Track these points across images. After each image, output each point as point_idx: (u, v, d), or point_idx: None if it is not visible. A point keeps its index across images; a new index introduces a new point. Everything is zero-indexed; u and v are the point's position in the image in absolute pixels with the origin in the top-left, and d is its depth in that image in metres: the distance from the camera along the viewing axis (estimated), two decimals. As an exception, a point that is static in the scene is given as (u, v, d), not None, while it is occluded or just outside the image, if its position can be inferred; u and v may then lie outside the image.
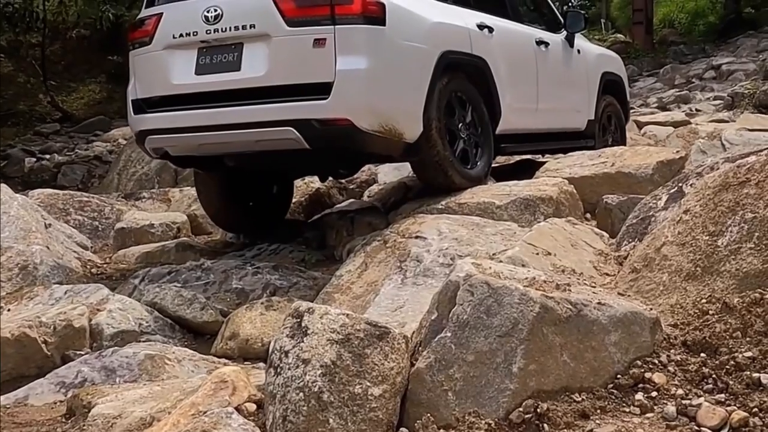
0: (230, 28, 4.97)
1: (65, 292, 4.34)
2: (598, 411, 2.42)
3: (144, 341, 3.95)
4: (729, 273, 2.89)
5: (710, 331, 2.68)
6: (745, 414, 2.33)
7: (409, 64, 5.07)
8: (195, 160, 5.62)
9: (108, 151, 12.35)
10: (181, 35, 5.14)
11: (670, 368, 2.56)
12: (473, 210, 4.86)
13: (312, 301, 4.14)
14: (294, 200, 6.86)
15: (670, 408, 2.39)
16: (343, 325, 2.43)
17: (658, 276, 3.07)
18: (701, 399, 2.41)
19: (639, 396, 2.46)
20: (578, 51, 7.20)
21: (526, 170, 6.60)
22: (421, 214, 4.85)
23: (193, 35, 5.09)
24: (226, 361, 3.72)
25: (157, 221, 6.27)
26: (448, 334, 2.50)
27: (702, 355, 2.62)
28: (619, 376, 2.52)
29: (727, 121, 9.29)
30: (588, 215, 5.22)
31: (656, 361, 2.58)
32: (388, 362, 2.43)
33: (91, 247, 6.13)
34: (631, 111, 9.92)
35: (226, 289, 4.51)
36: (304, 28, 4.81)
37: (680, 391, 2.46)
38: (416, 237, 4.34)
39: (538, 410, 2.37)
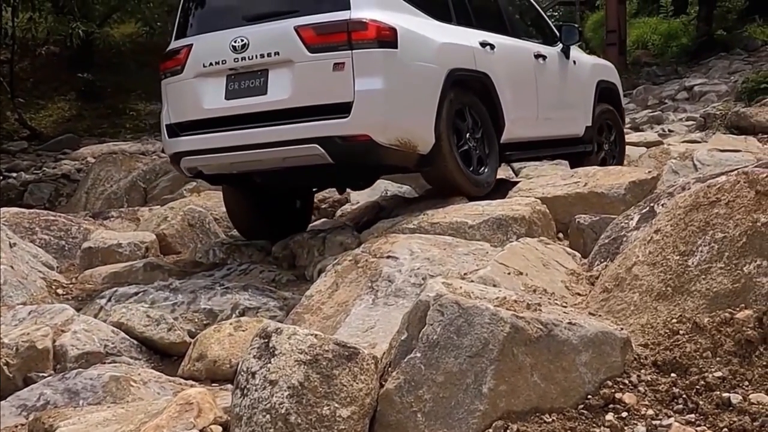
0: (256, 56, 5.43)
1: (29, 313, 4.27)
2: (569, 432, 2.42)
3: (109, 363, 3.89)
4: (699, 293, 2.91)
5: (680, 351, 2.70)
6: (715, 434, 2.34)
7: (420, 82, 5.55)
8: (226, 178, 6.03)
9: (76, 169, 12.25)
10: (211, 64, 5.58)
11: (641, 388, 2.57)
12: (445, 229, 4.88)
13: (282, 322, 4.14)
14: (265, 219, 6.84)
15: (641, 428, 2.40)
16: (312, 345, 2.41)
17: (629, 296, 3.08)
18: (671, 419, 2.42)
19: (609, 416, 2.46)
20: (574, 62, 7.63)
21: (499, 190, 6.65)
22: (394, 233, 4.85)
23: (222, 63, 5.54)
24: (194, 382, 3.68)
25: (125, 240, 6.22)
26: (418, 355, 2.49)
27: (672, 375, 2.63)
28: (589, 396, 2.53)
29: (699, 142, 9.41)
30: (561, 235, 5.25)
31: (627, 381, 2.59)
32: (357, 383, 2.41)
33: (57, 266, 6.06)
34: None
35: (195, 310, 4.47)
36: (324, 53, 5.28)
37: (650, 412, 2.47)
38: (388, 257, 4.33)
39: (508, 431, 2.37)
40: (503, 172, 8.81)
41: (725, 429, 2.37)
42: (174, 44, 5.93)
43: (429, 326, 2.52)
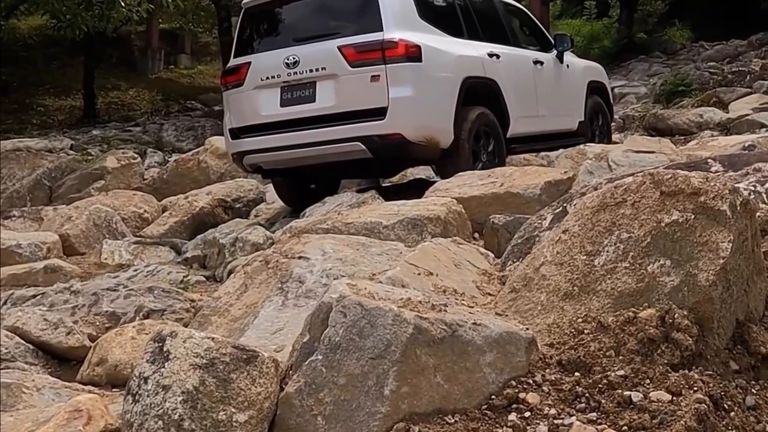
0: (306, 71, 6.74)
1: None
2: (471, 433, 2.44)
3: (2, 368, 3.76)
4: (605, 292, 2.97)
5: (585, 350, 2.74)
6: (615, 432, 2.39)
7: (441, 88, 6.83)
8: (280, 171, 7.35)
9: (-22, 167, 11.82)
10: (267, 78, 6.92)
11: (545, 388, 2.61)
12: (360, 230, 4.89)
13: (188, 324, 4.07)
14: (176, 219, 6.81)
15: (542, 428, 2.43)
16: (208, 349, 2.37)
17: (536, 296, 3.12)
18: (573, 418, 2.46)
19: (512, 416, 2.48)
20: (567, 66, 9.03)
21: (418, 189, 6.72)
22: (306, 233, 4.82)
23: (277, 77, 6.87)
24: (92, 388, 3.59)
25: (25, 241, 6.04)
26: (320, 357, 2.48)
27: (576, 374, 2.67)
28: (493, 396, 2.54)
29: (618, 143, 9.64)
30: (476, 235, 5.31)
31: (531, 381, 2.62)
32: (256, 387, 2.38)
33: (-49, 269, 5.83)
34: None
35: (96, 313, 4.37)
36: (363, 68, 6.56)
37: (553, 411, 2.50)
38: (299, 257, 4.30)
39: (410, 433, 2.37)
40: (423, 172, 8.88)
41: (625, 427, 2.41)
42: (234, 61, 7.29)
43: (331, 328, 2.51)
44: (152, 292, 4.55)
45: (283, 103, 6.84)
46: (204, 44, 26.84)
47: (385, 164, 7.20)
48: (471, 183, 5.95)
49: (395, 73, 6.53)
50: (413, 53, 6.63)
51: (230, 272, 4.73)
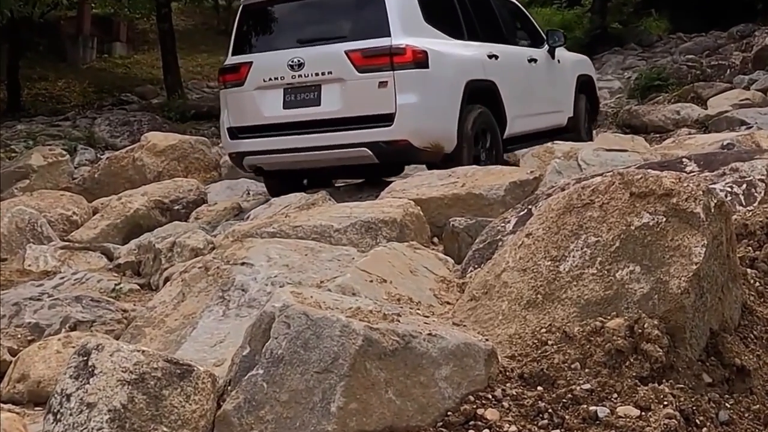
0: (311, 74, 7.17)
1: None
2: (425, 452, 2.45)
3: None
4: (570, 300, 3.00)
5: (548, 362, 2.77)
6: (579, 450, 2.42)
7: (446, 93, 7.31)
8: (282, 173, 7.84)
9: None
10: (270, 79, 7.35)
11: (505, 403, 2.63)
12: (309, 233, 4.89)
13: (119, 337, 4.04)
14: (108, 222, 6.75)
15: (501, 447, 2.45)
16: (137, 363, 2.35)
17: (497, 304, 3.15)
18: (534, 436, 2.48)
19: (469, 435, 2.50)
20: (558, 61, 9.65)
21: (372, 190, 6.75)
22: (251, 237, 4.81)
23: (281, 79, 7.29)
24: (12, 406, 3.54)
25: (-61, 246, 5.94)
26: (260, 372, 2.47)
27: (539, 388, 2.69)
28: (449, 413, 2.56)
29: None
30: (436, 239, 5.34)
31: (490, 396, 2.64)
32: (190, 404, 2.37)
33: None
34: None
35: (18, 324, 4.32)
36: (371, 73, 7.02)
37: (514, 428, 2.52)
38: (242, 263, 4.29)
39: (359, 453, 2.38)
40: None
41: (590, 445, 2.45)
42: (232, 59, 7.73)
43: (273, 340, 2.51)
44: (80, 302, 4.50)
45: (287, 105, 7.27)
46: (141, 31, 26.58)
47: (386, 167, 7.70)
48: (430, 183, 5.98)
49: (403, 80, 6.98)
50: (420, 59, 7.09)
51: (167, 280, 4.71)
